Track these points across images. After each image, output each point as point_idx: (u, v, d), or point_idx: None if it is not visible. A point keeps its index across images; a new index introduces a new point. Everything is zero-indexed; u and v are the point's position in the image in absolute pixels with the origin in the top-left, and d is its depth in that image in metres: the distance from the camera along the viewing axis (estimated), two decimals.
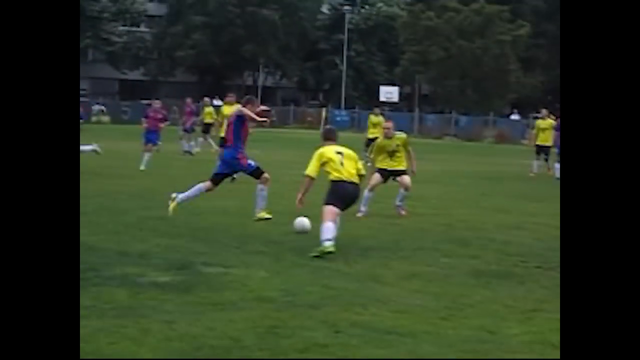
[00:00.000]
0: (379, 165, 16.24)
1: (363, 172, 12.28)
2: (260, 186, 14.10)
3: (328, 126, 12.66)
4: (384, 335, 7.51)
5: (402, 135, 16.41)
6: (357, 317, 8.11)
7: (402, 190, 16.03)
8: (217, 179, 14.27)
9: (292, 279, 9.74)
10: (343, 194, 11.72)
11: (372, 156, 16.46)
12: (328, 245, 11.15)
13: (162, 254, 10.86)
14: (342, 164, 11.80)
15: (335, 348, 7.04)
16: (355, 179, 11.85)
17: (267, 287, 9.23)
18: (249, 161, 14.20)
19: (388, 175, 16.24)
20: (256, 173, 14.20)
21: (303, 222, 12.11)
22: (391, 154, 16.09)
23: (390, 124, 16.50)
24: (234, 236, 12.48)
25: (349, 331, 7.58)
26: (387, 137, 16.20)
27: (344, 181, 11.70)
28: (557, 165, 26.26)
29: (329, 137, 12.34)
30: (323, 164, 11.85)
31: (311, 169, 11.87)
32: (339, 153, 11.94)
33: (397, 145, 16.16)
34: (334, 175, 11.72)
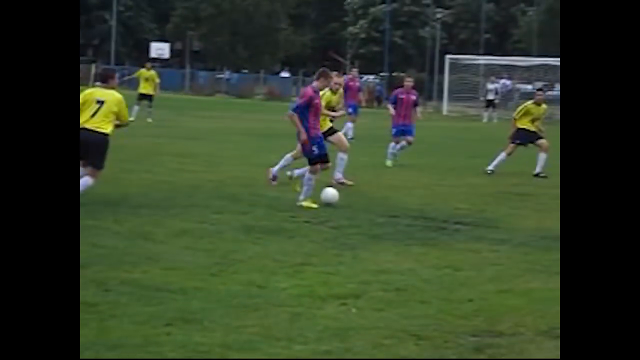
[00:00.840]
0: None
1: (127, 118, 12.29)
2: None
3: (106, 67, 12.77)
4: (154, 292, 7.49)
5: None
6: (127, 275, 8.05)
7: (342, 155, 15.39)
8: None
9: None
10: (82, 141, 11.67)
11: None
12: None
13: None
14: (95, 114, 11.73)
15: (104, 306, 6.97)
16: (102, 129, 11.78)
17: None
18: (313, 148, 13.16)
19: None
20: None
21: (332, 193, 13.03)
22: (332, 110, 15.37)
23: (341, 80, 16.14)
24: None
25: (118, 289, 7.52)
26: (335, 91, 15.53)
27: (85, 128, 11.57)
28: (349, 124, 27.00)
29: (103, 79, 12.47)
30: (82, 105, 11.68)
31: None
32: (99, 102, 11.82)
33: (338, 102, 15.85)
34: (81, 121, 11.59)
